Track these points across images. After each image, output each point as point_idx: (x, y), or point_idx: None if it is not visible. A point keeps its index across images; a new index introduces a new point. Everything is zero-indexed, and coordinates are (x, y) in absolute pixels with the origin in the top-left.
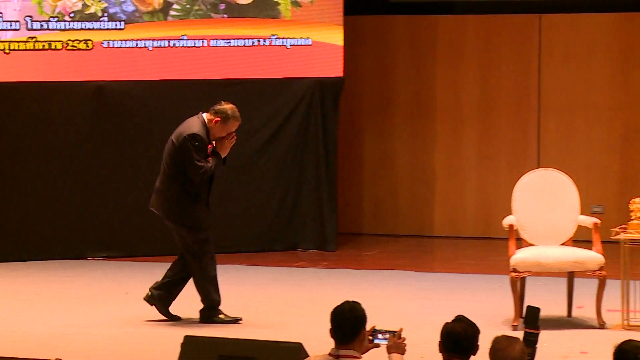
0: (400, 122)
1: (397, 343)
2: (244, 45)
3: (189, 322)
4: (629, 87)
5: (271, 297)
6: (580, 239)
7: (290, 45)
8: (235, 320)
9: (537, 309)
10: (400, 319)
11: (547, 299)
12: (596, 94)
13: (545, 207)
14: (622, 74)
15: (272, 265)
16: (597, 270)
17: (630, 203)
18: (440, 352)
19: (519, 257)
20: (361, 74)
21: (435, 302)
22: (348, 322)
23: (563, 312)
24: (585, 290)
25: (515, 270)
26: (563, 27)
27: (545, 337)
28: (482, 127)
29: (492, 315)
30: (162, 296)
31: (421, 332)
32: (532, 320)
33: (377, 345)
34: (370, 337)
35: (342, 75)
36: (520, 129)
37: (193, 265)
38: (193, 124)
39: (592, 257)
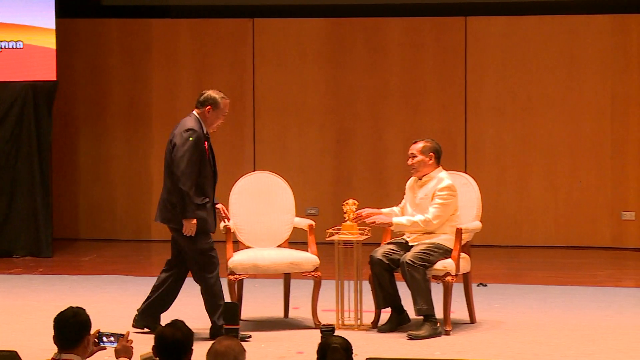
0: (116, 126)
1: (125, 346)
2: None
3: None
4: (339, 91)
5: None
6: (296, 241)
7: (1, 48)
8: None
9: (235, 304)
10: (121, 323)
11: (264, 301)
12: (309, 97)
13: (261, 210)
14: (333, 78)
15: None
16: (313, 271)
17: (343, 205)
18: (155, 356)
19: (236, 259)
20: (75, 78)
21: None
22: (71, 328)
23: (280, 313)
24: (301, 291)
25: (232, 273)
26: (275, 31)
27: (262, 338)
28: None
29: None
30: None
31: (143, 336)
32: (230, 316)
33: (104, 348)
34: (97, 340)
35: (55, 79)
36: (236, 132)
37: (199, 277)
38: (186, 121)
39: (308, 258)
